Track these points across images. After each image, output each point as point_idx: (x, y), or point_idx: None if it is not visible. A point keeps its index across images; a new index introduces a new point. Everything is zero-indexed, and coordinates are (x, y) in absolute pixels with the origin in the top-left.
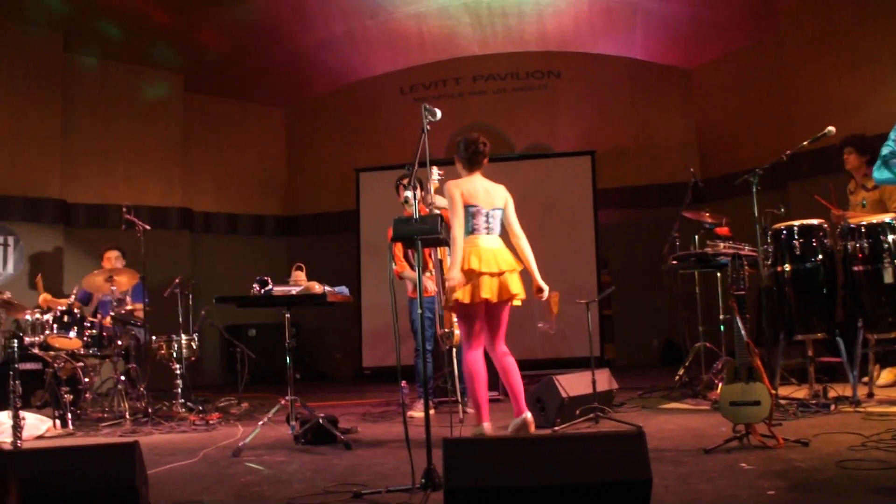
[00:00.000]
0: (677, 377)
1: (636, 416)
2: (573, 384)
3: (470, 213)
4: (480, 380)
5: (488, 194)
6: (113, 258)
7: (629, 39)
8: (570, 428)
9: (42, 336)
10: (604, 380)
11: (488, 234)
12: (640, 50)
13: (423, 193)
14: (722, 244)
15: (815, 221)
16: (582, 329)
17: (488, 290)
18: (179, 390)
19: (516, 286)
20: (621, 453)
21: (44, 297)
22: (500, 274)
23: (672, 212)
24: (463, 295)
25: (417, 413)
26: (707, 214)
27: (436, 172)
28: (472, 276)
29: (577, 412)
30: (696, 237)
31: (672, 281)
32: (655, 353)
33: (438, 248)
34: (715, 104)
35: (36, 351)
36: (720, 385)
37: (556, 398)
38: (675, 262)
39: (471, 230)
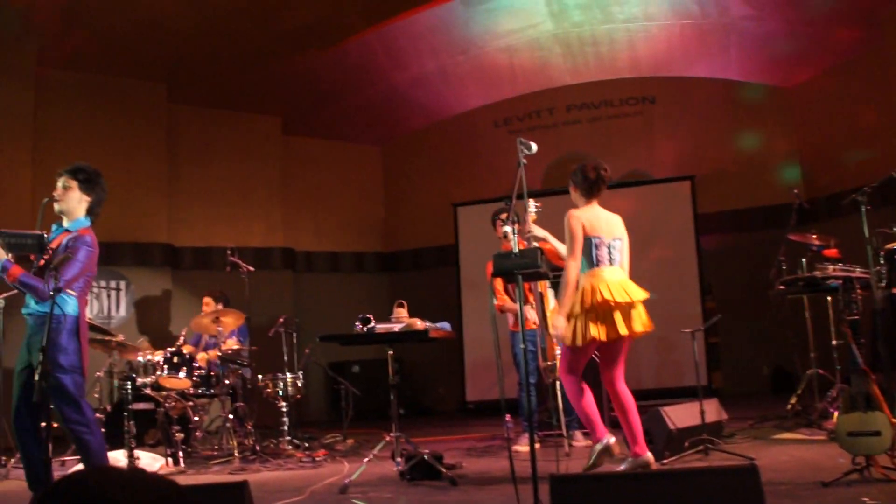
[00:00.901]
0: (790, 406)
1: (748, 448)
2: (681, 415)
3: (594, 244)
4: (587, 395)
5: (609, 224)
6: (209, 303)
7: (724, 61)
8: (679, 461)
9: (154, 377)
10: (713, 410)
11: (611, 265)
12: (736, 71)
13: (520, 226)
14: (831, 267)
15: None
16: (687, 358)
17: (622, 325)
18: (286, 427)
19: (644, 319)
20: (735, 488)
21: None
22: (631, 305)
23: (777, 235)
24: (598, 332)
25: (522, 447)
26: (814, 236)
27: (532, 205)
28: (603, 308)
29: (686, 444)
30: (804, 260)
31: (780, 306)
32: (765, 380)
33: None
34: (817, 122)
35: (148, 391)
36: (836, 414)
37: (664, 430)
38: (782, 286)
39: (595, 262)
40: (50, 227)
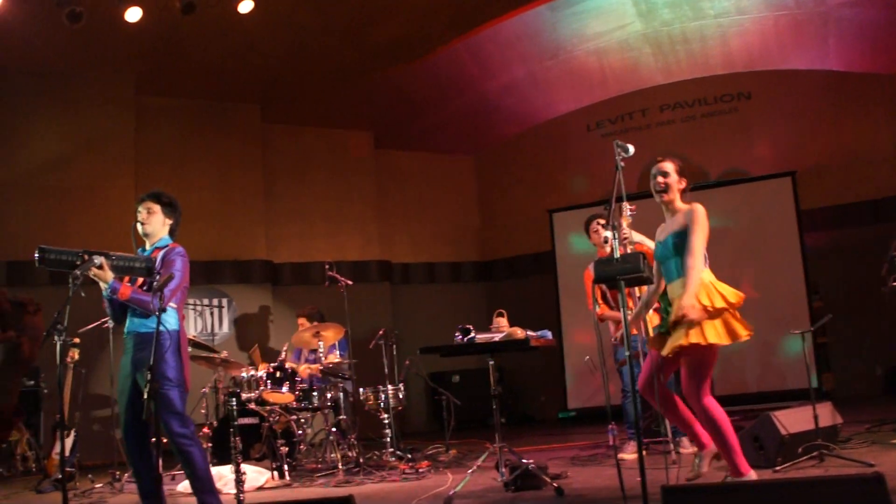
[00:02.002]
0: None
1: (866, 454)
2: (793, 420)
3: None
4: (729, 424)
5: None
6: (303, 324)
7: (822, 51)
8: (793, 468)
9: (257, 392)
10: (826, 414)
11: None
12: (835, 60)
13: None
14: None
15: None
16: (792, 360)
17: (743, 329)
18: (388, 439)
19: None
20: (859, 499)
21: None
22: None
23: (886, 229)
24: (719, 337)
25: (628, 455)
26: None
27: (627, 208)
28: (724, 314)
29: (800, 450)
30: None
31: (893, 304)
32: (879, 382)
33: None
34: None
35: (252, 406)
36: None
37: (775, 436)
38: (895, 283)
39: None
40: (136, 252)
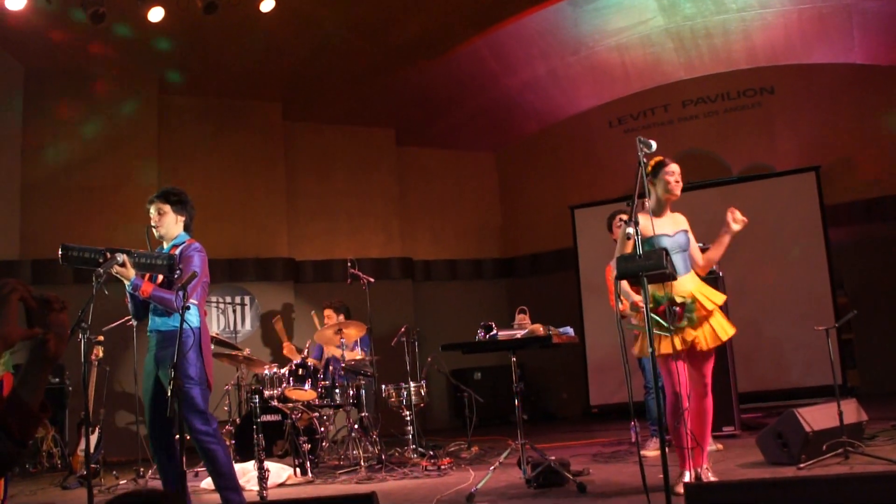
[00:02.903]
0: None
1: (893, 451)
2: (817, 417)
3: None
4: None
5: None
6: (330, 315)
7: (847, 44)
8: (817, 466)
9: (280, 389)
10: (851, 411)
11: None
12: (859, 54)
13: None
14: None
15: None
16: (818, 356)
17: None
18: (410, 436)
19: None
20: (886, 497)
21: (287, 345)
22: None
23: None
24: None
25: (651, 452)
26: None
27: (648, 205)
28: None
29: (825, 448)
30: None
31: None
32: None
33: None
34: None
35: (275, 403)
36: None
37: (800, 433)
38: None
39: None
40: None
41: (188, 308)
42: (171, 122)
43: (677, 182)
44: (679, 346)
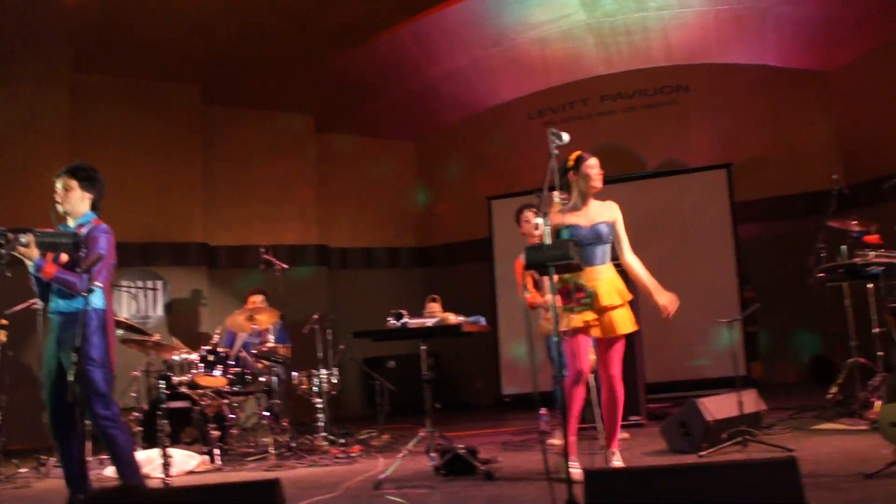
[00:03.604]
0: (830, 395)
1: (788, 439)
2: (718, 406)
3: None
4: None
5: None
6: (258, 301)
7: (761, 46)
8: (717, 453)
9: (189, 375)
10: (751, 401)
11: None
12: (773, 56)
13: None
14: (872, 253)
15: None
16: (724, 348)
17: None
18: (321, 424)
19: None
20: (773, 481)
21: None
22: None
23: (817, 222)
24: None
25: (558, 441)
26: (854, 223)
27: (557, 197)
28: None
29: (724, 436)
30: (844, 247)
31: (820, 294)
32: (805, 370)
33: None
34: (857, 106)
35: (184, 390)
36: (878, 403)
37: (701, 422)
38: (822, 274)
39: None
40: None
41: (92, 290)
42: (85, 101)
43: (598, 174)
44: (575, 324)
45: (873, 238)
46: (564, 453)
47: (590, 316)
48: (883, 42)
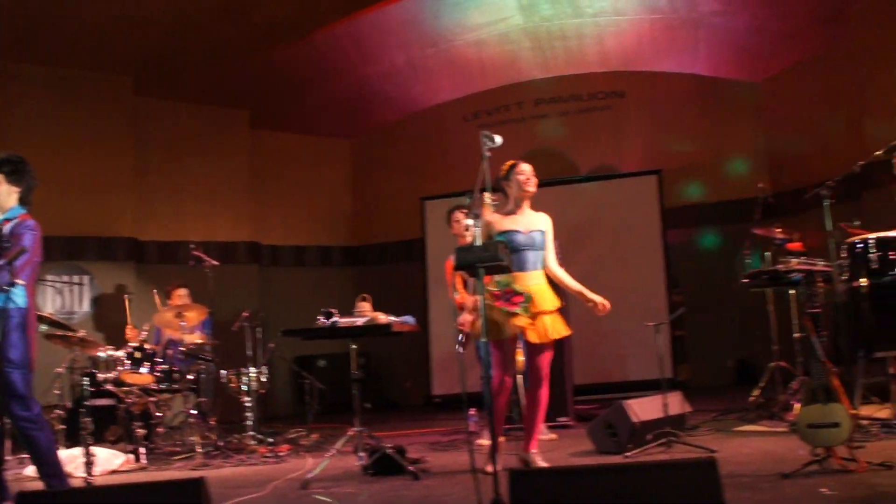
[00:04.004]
0: (752, 398)
1: (710, 440)
2: (644, 408)
3: None
4: None
5: None
6: (184, 295)
7: (693, 55)
8: (642, 454)
9: (115, 372)
10: (676, 403)
11: None
12: (705, 65)
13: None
14: (794, 260)
15: (892, 234)
16: (652, 351)
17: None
18: (249, 423)
19: None
20: (694, 482)
21: (130, 327)
22: None
23: (743, 229)
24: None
25: (486, 441)
26: (778, 230)
27: (488, 198)
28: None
29: (649, 437)
30: (768, 254)
31: (744, 299)
32: (730, 373)
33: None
34: (785, 116)
35: (109, 387)
36: (797, 406)
37: (627, 424)
38: (746, 280)
39: None
40: None
41: (13, 286)
42: (12, 92)
43: (528, 180)
44: (509, 332)
45: (796, 245)
46: (492, 453)
47: (524, 321)
48: (811, 55)
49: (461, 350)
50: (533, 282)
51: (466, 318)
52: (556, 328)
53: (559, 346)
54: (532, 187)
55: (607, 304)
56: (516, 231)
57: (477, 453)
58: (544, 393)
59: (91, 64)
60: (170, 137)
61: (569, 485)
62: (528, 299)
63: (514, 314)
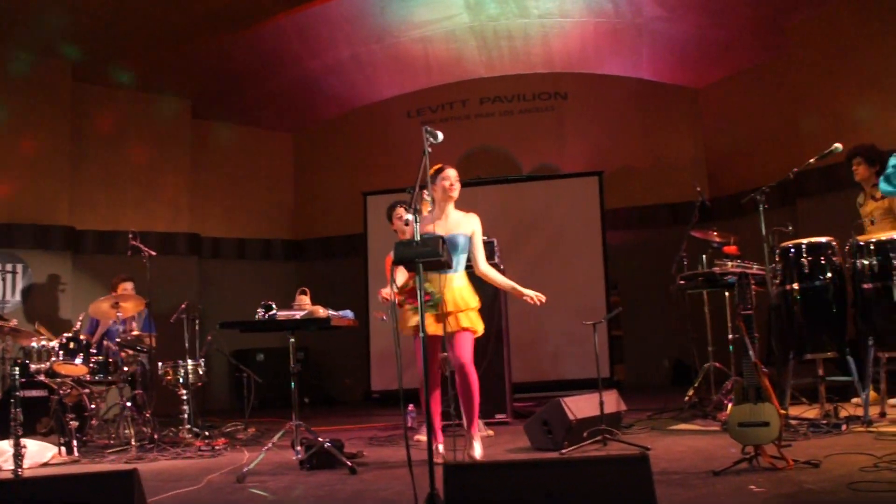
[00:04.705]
0: (687, 398)
1: (645, 438)
2: (581, 406)
3: None
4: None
5: None
6: (128, 289)
7: (636, 60)
8: (578, 451)
9: (48, 363)
10: (612, 401)
11: None
12: (647, 70)
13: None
14: (730, 263)
15: (823, 239)
16: (590, 350)
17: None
18: (186, 416)
19: None
20: (626, 477)
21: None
22: None
23: (680, 231)
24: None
25: (424, 437)
26: (715, 233)
27: (428, 195)
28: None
29: (585, 435)
30: (704, 256)
31: (681, 301)
32: (666, 373)
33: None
34: (723, 123)
35: (42, 378)
36: (729, 406)
37: (564, 421)
38: (683, 281)
39: None
40: None
41: None
42: None
43: (451, 185)
44: (413, 325)
45: (732, 249)
46: (429, 448)
47: (429, 320)
48: (751, 64)
49: (384, 318)
50: (452, 284)
51: (385, 292)
52: (464, 319)
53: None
54: (455, 193)
55: (542, 296)
56: (436, 235)
57: (414, 449)
58: (469, 376)
59: (28, 46)
60: (109, 124)
61: (504, 479)
62: (437, 301)
63: (416, 310)
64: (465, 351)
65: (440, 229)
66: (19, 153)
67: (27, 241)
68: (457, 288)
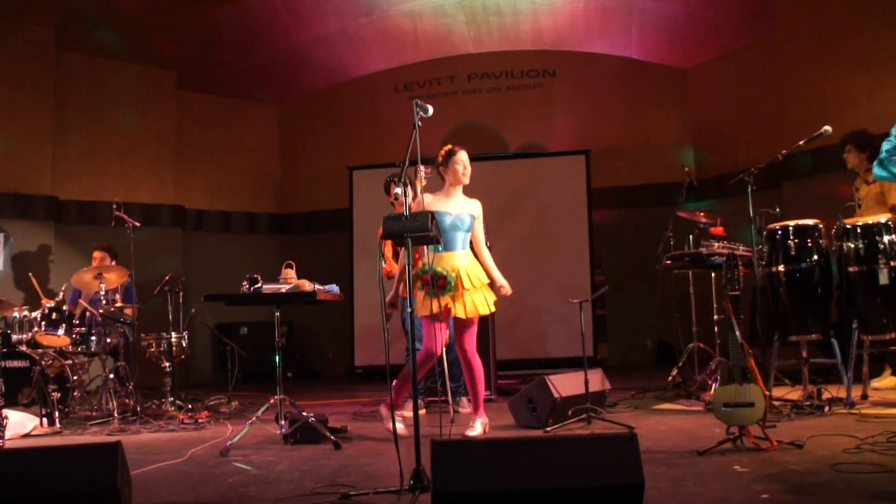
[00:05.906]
0: (671, 378)
1: (629, 417)
2: (565, 384)
3: None
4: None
5: None
6: (99, 258)
7: (625, 39)
8: (562, 429)
9: (30, 333)
10: (596, 380)
11: None
12: (635, 49)
13: (412, 194)
14: (716, 244)
15: (810, 222)
16: (575, 328)
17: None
18: (169, 388)
19: None
20: (614, 456)
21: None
22: None
23: (667, 211)
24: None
25: (409, 412)
26: (702, 214)
27: (423, 171)
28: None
29: (570, 413)
30: (691, 237)
31: (666, 281)
32: (650, 353)
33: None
34: (711, 104)
35: (24, 349)
36: (714, 386)
37: (548, 399)
38: (669, 261)
39: None
40: None
41: None
42: None
43: (465, 169)
44: (436, 310)
45: (718, 230)
46: (416, 424)
47: (447, 300)
48: (740, 45)
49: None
50: (461, 261)
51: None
52: (481, 305)
53: (483, 321)
54: (466, 179)
55: (509, 290)
56: (446, 213)
57: (402, 424)
58: (474, 363)
59: (10, 14)
60: (93, 93)
61: (490, 456)
62: (453, 280)
63: (436, 296)
64: (471, 340)
65: (449, 207)
66: (1, 122)
67: (9, 210)
68: (467, 265)
